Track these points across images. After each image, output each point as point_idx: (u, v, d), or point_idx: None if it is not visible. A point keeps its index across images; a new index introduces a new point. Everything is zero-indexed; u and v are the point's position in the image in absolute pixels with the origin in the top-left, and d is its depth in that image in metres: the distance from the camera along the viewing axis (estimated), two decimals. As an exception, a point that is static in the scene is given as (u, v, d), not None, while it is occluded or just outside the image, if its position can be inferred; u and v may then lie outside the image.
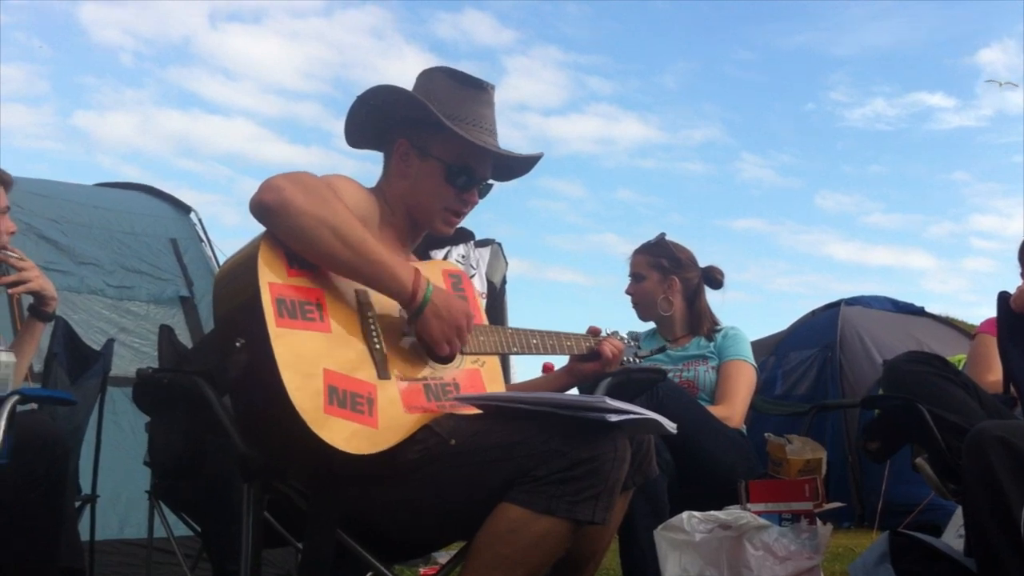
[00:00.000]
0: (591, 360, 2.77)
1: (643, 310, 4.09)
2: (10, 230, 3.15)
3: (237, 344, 2.09)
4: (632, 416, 2.07)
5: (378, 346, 2.22)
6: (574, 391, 2.84)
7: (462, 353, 2.42)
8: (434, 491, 2.14)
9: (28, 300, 3.26)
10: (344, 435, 2.03)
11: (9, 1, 17.45)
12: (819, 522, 2.88)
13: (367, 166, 2.60)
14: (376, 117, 2.51)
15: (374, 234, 2.37)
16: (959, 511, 3.09)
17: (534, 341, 2.61)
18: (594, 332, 2.82)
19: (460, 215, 2.56)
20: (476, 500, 2.09)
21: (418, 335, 2.29)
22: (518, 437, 2.09)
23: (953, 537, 3.28)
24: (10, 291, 3.19)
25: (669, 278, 4.02)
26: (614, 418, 2.02)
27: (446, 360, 2.34)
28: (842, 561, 5.26)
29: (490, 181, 2.59)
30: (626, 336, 3.02)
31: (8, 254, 3.12)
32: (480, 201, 2.59)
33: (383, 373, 2.20)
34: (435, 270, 2.57)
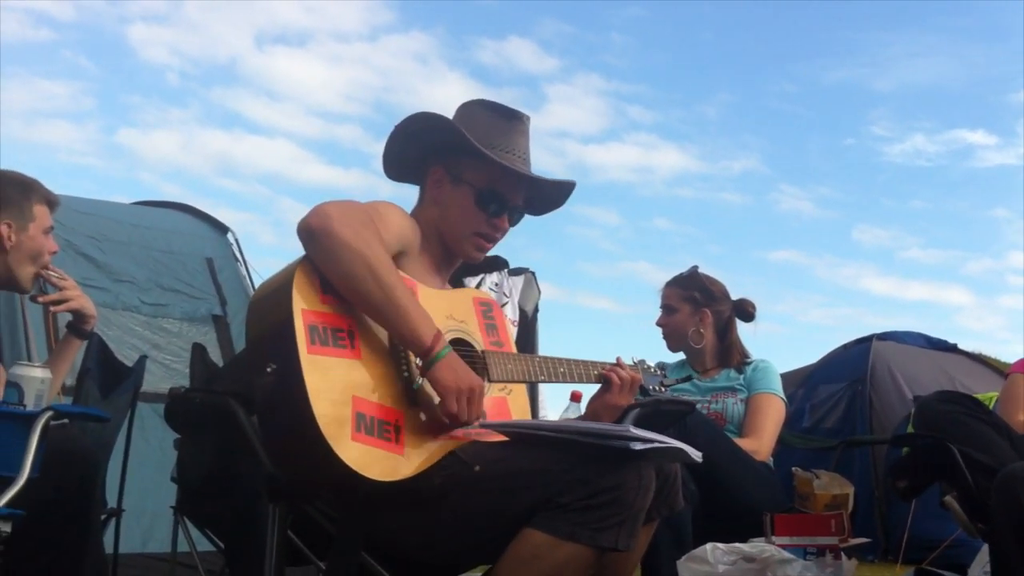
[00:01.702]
0: (606, 390, 2.72)
1: (673, 342, 4.09)
2: (52, 250, 3.19)
3: (268, 370, 2.11)
4: (656, 445, 2.07)
5: (407, 374, 2.23)
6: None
7: (489, 380, 2.43)
8: (458, 516, 2.15)
9: (66, 317, 3.29)
10: (370, 462, 2.05)
11: (59, 19, 17.75)
12: (844, 557, 2.87)
13: (403, 191, 2.63)
14: (412, 146, 2.55)
15: (414, 260, 2.40)
16: (984, 548, 3.07)
17: (561, 369, 2.61)
18: (619, 365, 2.80)
19: (491, 241, 2.58)
20: (500, 525, 2.10)
21: (431, 384, 2.21)
22: (542, 464, 2.10)
23: (979, 574, 3.26)
24: (52, 309, 3.23)
25: (701, 311, 4.02)
26: (638, 446, 2.03)
27: (462, 424, 2.22)
28: (866, 597, 5.21)
29: (523, 211, 2.62)
30: (653, 366, 3.01)
31: (49, 274, 3.16)
32: (511, 229, 2.60)
33: (411, 400, 2.21)
34: (466, 298, 2.59)
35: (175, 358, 5.55)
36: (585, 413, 2.77)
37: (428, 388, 2.22)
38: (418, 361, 2.21)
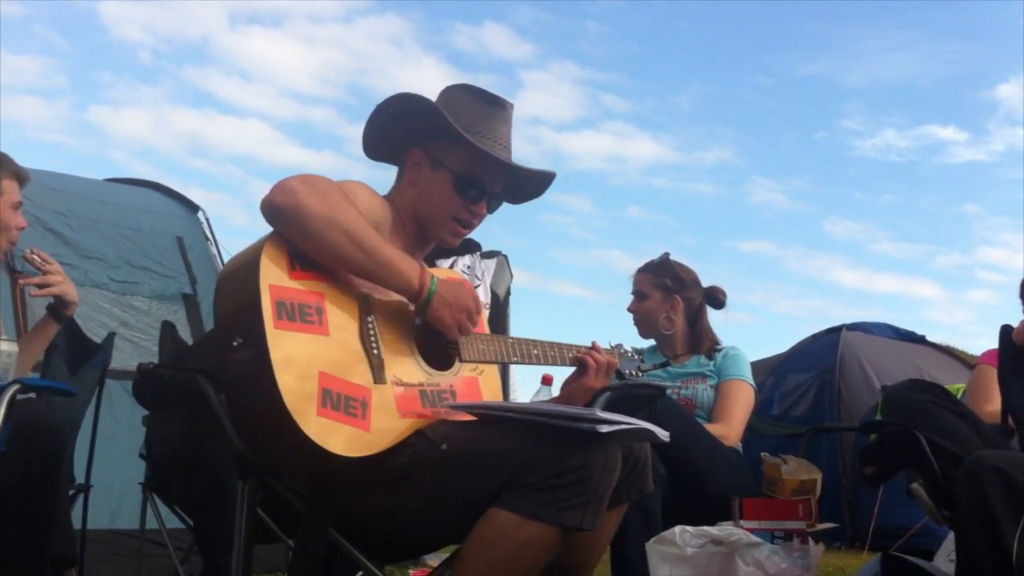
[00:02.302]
0: (581, 373, 2.73)
1: (644, 328, 4.09)
2: (20, 225, 3.17)
3: (235, 344, 2.10)
4: (623, 426, 2.08)
5: (375, 351, 2.23)
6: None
7: (461, 360, 2.43)
8: (425, 495, 2.15)
9: (48, 299, 3.27)
10: (336, 438, 2.04)
11: (30, -6, 17.56)
12: (811, 541, 2.89)
13: (378, 173, 2.62)
14: (393, 126, 2.54)
15: (385, 239, 2.40)
16: (951, 536, 3.10)
17: (535, 351, 2.61)
18: (596, 349, 2.79)
19: (467, 227, 2.57)
20: (466, 505, 2.09)
21: (429, 325, 2.33)
22: (509, 444, 2.10)
23: (944, 561, 3.29)
24: (34, 293, 3.21)
25: (672, 298, 4.03)
26: (604, 429, 2.03)
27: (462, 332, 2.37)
28: (832, 581, 5.27)
29: (501, 198, 2.61)
30: (629, 350, 3.01)
31: (33, 256, 3.13)
32: (489, 216, 2.60)
33: (379, 377, 2.21)
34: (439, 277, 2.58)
35: (144, 336, 5.52)
36: (559, 395, 2.77)
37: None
38: (406, 315, 2.30)
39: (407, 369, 2.29)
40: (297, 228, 2.15)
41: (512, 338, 2.61)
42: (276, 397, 2.00)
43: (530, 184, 2.67)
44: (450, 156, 2.50)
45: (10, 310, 4.78)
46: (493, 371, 2.58)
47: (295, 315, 2.11)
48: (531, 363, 2.62)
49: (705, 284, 4.14)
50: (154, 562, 4.45)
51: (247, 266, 2.15)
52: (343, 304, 2.23)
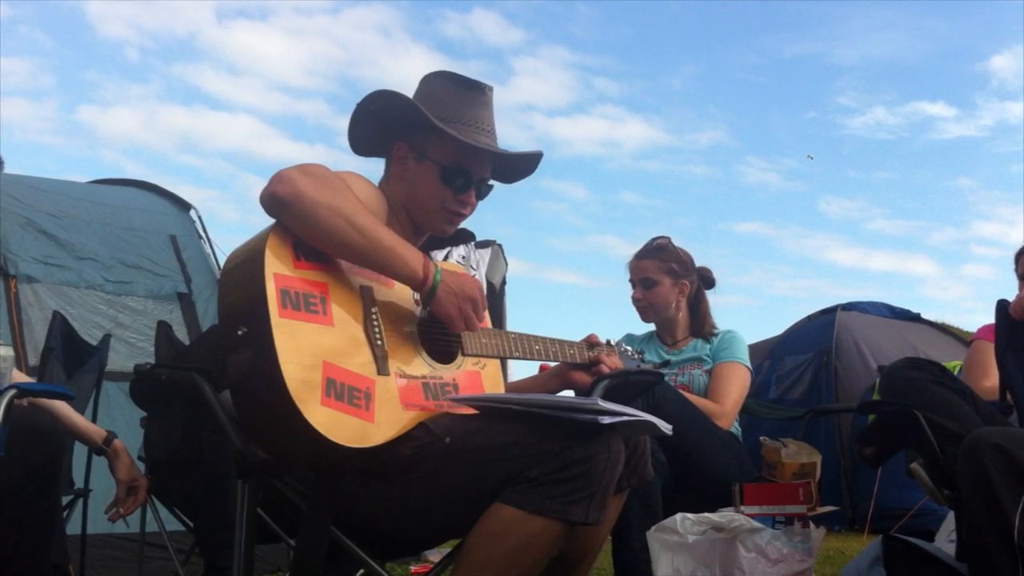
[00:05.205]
0: (586, 370, 2.74)
1: (652, 314, 4.03)
2: None
3: (239, 332, 2.09)
4: (625, 418, 2.07)
5: (379, 342, 2.23)
6: (570, 393, 2.83)
7: (464, 354, 2.42)
8: (428, 489, 2.15)
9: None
10: (339, 428, 2.03)
11: (14, -7, 17.50)
12: (812, 525, 2.89)
13: (369, 165, 2.62)
14: (376, 122, 2.54)
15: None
16: (951, 516, 3.11)
17: (537, 347, 2.61)
18: (592, 342, 2.81)
19: (460, 216, 2.57)
20: (469, 499, 2.09)
21: (434, 315, 2.32)
22: (512, 438, 2.10)
23: (945, 541, 3.29)
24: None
25: (680, 282, 4.00)
26: (606, 420, 2.03)
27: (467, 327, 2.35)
28: (833, 564, 5.29)
29: (491, 182, 2.61)
30: (630, 349, 3.01)
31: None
32: (480, 202, 2.60)
33: (383, 369, 2.20)
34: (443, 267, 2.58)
35: (140, 336, 5.50)
36: (554, 387, 2.77)
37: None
38: (416, 296, 2.30)
39: (410, 361, 2.29)
40: (298, 216, 2.14)
41: (515, 333, 2.61)
42: (280, 386, 1.99)
43: (519, 165, 2.68)
44: (434, 148, 2.50)
45: (4, 315, 4.77)
46: (495, 364, 2.58)
47: (300, 304, 2.11)
48: (533, 359, 2.63)
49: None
50: (155, 565, 4.45)
51: (251, 257, 2.14)
52: (346, 295, 2.22)
